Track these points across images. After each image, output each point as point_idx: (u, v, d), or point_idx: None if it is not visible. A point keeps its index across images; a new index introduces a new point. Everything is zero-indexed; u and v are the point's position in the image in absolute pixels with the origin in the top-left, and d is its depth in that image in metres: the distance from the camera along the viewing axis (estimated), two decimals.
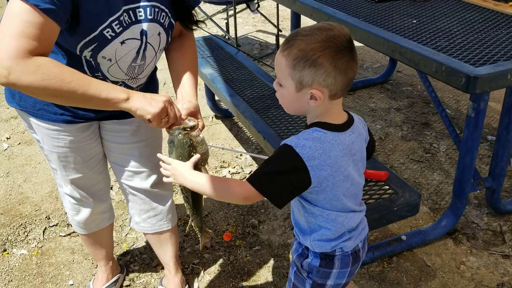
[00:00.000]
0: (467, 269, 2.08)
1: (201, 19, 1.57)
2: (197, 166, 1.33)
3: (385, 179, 1.84)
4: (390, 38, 1.89)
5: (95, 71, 1.38)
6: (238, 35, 4.55)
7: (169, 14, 1.42)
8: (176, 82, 1.49)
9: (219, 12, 4.68)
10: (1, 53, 1.12)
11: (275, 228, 2.36)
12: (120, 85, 1.45)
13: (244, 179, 1.15)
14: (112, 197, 2.56)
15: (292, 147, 1.10)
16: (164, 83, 3.79)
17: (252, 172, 1.18)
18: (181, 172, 1.26)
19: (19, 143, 3.13)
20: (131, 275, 2.12)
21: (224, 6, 4.51)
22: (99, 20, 1.25)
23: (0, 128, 3.31)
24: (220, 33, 4.69)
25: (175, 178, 1.28)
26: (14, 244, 2.30)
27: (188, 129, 1.32)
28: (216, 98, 3.32)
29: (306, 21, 4.91)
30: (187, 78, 1.48)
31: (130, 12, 1.31)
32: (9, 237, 2.34)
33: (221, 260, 2.18)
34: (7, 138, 3.19)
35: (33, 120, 1.52)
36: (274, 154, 1.14)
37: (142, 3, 1.33)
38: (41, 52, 1.17)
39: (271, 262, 2.16)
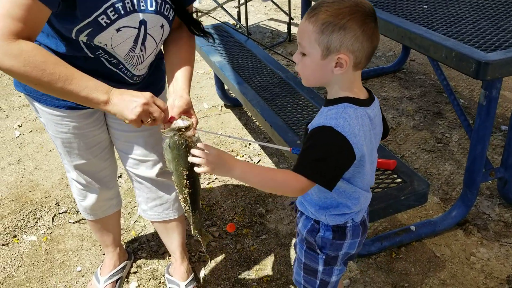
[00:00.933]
0: (477, 261, 2.05)
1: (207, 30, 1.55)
2: (193, 165, 1.27)
3: (393, 167, 1.80)
4: (399, 24, 1.85)
5: (95, 50, 1.36)
6: (249, 24, 4.52)
7: (173, 6, 1.39)
8: (170, 75, 1.43)
9: (230, 0, 4.65)
10: None
11: (283, 217, 2.35)
12: (121, 68, 1.44)
13: (292, 170, 1.11)
14: (121, 184, 2.58)
15: (332, 127, 1.09)
16: None
17: (298, 162, 1.11)
18: (225, 161, 1.13)
19: (31, 131, 3.16)
20: (139, 262, 2.13)
21: None
22: (94, 6, 1.24)
23: (12, 116, 3.34)
24: (232, 21, 4.67)
25: (215, 168, 1.13)
26: (24, 230, 2.33)
27: (183, 130, 1.26)
28: (226, 87, 3.30)
29: None
30: (181, 72, 1.42)
31: (129, 0, 1.29)
32: (19, 224, 2.36)
33: (228, 249, 2.18)
34: (19, 126, 3.22)
35: (37, 105, 1.53)
36: (316, 138, 1.10)
37: None
38: (28, 35, 1.15)
39: (278, 251, 2.15)
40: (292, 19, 4.60)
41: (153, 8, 1.34)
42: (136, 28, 1.34)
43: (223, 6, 4.56)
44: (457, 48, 1.61)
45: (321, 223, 1.29)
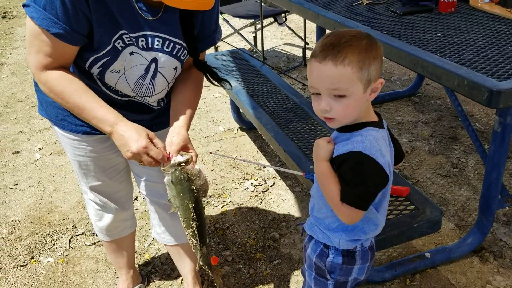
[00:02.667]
0: None
1: (224, 79, 1.58)
2: (198, 199, 1.33)
3: (406, 194, 1.80)
4: (412, 52, 1.87)
5: (106, 84, 1.42)
6: (265, 48, 4.59)
7: (187, 49, 1.44)
8: (173, 112, 1.47)
9: (246, 26, 4.73)
10: (30, 64, 1.32)
11: (296, 242, 2.35)
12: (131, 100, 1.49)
13: (341, 200, 1.15)
14: (136, 207, 2.61)
15: (361, 151, 1.12)
16: None
17: (342, 189, 1.16)
18: (318, 153, 1.20)
19: (51, 153, 3.23)
20: (152, 285, 2.14)
21: (252, 20, 4.56)
22: (111, 33, 1.30)
23: (33, 139, 3.43)
24: (248, 46, 4.74)
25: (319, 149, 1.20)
26: (41, 252, 2.37)
27: (183, 164, 1.29)
28: (241, 110, 3.34)
29: None
30: (182, 110, 1.45)
31: (143, 38, 1.34)
32: (37, 245, 2.41)
33: (240, 273, 2.18)
34: (40, 149, 3.30)
35: (56, 129, 1.60)
36: (349, 165, 1.13)
37: (149, 32, 1.34)
38: (58, 66, 1.30)
39: (291, 276, 2.15)
40: (308, 44, 4.66)
41: (169, 50, 1.38)
42: (147, 61, 1.38)
43: (240, 32, 4.65)
44: (469, 76, 1.62)
45: (331, 248, 1.31)
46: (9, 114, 3.83)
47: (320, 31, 3.19)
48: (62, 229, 2.51)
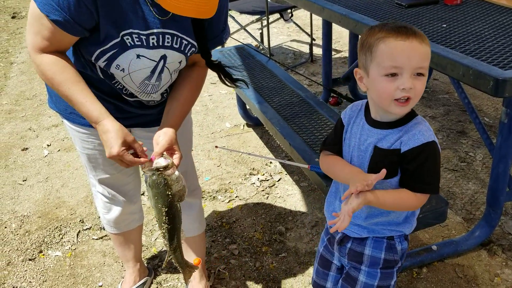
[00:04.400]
0: (501, 282, 2.00)
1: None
2: (174, 203, 1.34)
3: None
4: None
5: (111, 79, 1.42)
6: (272, 45, 4.58)
7: (195, 45, 1.42)
8: (166, 109, 1.47)
9: (252, 22, 4.74)
10: (27, 43, 1.34)
11: (302, 236, 2.34)
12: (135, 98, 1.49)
13: (420, 192, 1.19)
14: (143, 201, 2.62)
15: (434, 141, 1.19)
16: None
17: (421, 180, 1.19)
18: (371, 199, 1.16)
19: (59, 150, 3.26)
20: (159, 279, 2.15)
21: (258, 16, 4.56)
22: (120, 27, 1.29)
23: (42, 136, 3.46)
24: (254, 43, 4.74)
25: (366, 203, 1.15)
26: (49, 246, 2.39)
27: (161, 169, 1.29)
28: (248, 106, 3.35)
29: (339, 29, 4.89)
30: (176, 108, 1.46)
31: (154, 36, 1.34)
32: (45, 239, 2.43)
33: (247, 266, 2.18)
34: (48, 145, 3.33)
35: (65, 122, 1.61)
36: (432, 155, 1.17)
37: (160, 30, 1.33)
38: (54, 50, 1.31)
39: (298, 269, 2.14)
40: (314, 40, 4.65)
41: (177, 46, 1.38)
42: (155, 62, 1.38)
43: (246, 28, 4.65)
44: (474, 66, 1.60)
45: (396, 238, 1.32)
46: (18, 112, 3.86)
47: (327, 25, 3.18)
48: (70, 223, 2.53)
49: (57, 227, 2.51)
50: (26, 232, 2.49)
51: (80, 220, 2.55)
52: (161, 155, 1.34)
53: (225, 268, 2.17)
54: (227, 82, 1.52)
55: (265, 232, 2.39)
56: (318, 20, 5.28)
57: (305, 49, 4.82)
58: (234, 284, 2.09)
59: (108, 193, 1.79)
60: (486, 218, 2.13)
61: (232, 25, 5.38)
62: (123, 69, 1.37)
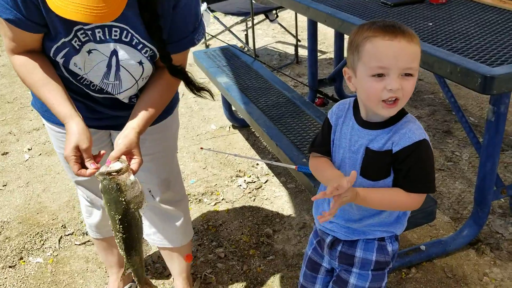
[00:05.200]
0: (490, 281, 1.99)
1: (203, 87, 1.48)
2: (129, 210, 1.23)
3: None
4: None
5: (75, 75, 1.37)
6: (257, 47, 4.56)
7: (152, 49, 1.34)
8: (133, 110, 1.38)
9: (237, 23, 4.70)
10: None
11: (290, 238, 2.31)
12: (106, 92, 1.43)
13: (415, 192, 1.17)
14: None
15: (425, 139, 1.15)
16: (183, 94, 3.81)
17: (416, 179, 1.17)
18: (356, 194, 1.13)
19: (40, 154, 3.18)
20: None
21: (243, 17, 4.53)
22: (67, 28, 1.25)
23: (22, 140, 3.38)
24: (239, 44, 4.71)
25: (349, 201, 1.12)
26: (30, 252, 2.32)
27: (113, 174, 1.19)
28: (233, 108, 3.31)
29: (324, 30, 4.89)
30: (143, 111, 1.36)
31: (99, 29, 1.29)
32: (25, 245, 2.36)
33: (234, 270, 2.14)
34: (29, 149, 3.25)
35: (43, 120, 1.56)
36: (425, 154, 1.15)
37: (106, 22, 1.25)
38: (24, 50, 1.30)
39: (285, 272, 2.11)
40: (299, 41, 4.64)
41: (127, 40, 1.30)
42: (106, 57, 1.32)
43: (231, 29, 4.62)
44: (462, 63, 1.59)
45: (386, 238, 1.29)
46: None
47: (312, 26, 3.16)
48: (52, 229, 2.46)
49: (38, 233, 2.44)
50: (6, 238, 2.42)
51: (62, 226, 2.48)
52: (118, 159, 1.25)
53: (211, 272, 2.13)
54: (192, 90, 1.45)
55: (252, 234, 2.35)
56: (303, 22, 5.27)
57: (290, 50, 4.80)
58: None
59: (87, 196, 1.73)
60: (473, 217, 2.12)
61: (216, 27, 5.35)
62: (80, 68, 1.33)
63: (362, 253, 1.30)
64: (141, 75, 1.39)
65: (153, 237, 1.83)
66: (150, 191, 1.69)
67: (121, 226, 1.24)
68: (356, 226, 1.28)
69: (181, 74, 1.40)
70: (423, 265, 2.08)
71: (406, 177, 1.16)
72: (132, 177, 1.22)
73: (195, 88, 1.46)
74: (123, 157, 1.26)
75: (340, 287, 1.36)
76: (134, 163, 1.28)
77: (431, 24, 2.04)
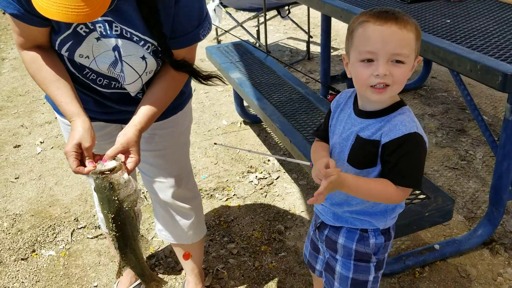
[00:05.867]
0: (504, 281, 1.97)
1: (213, 74, 1.46)
2: (123, 209, 1.22)
3: None
4: (422, 37, 1.82)
5: (81, 69, 1.37)
6: (268, 42, 4.54)
7: (155, 44, 1.33)
8: (138, 106, 1.37)
9: (249, 19, 4.69)
10: None
11: (302, 235, 2.30)
12: (115, 85, 1.42)
13: (397, 185, 1.14)
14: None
15: (417, 132, 1.12)
16: (194, 89, 3.81)
17: (402, 174, 1.14)
18: (342, 181, 1.11)
19: (52, 147, 3.19)
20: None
21: (255, 13, 4.51)
22: (67, 24, 1.25)
23: (34, 133, 3.39)
24: (251, 40, 4.69)
25: (332, 189, 1.12)
26: (43, 245, 2.33)
27: (107, 173, 1.19)
28: (245, 104, 3.30)
29: (336, 26, 4.86)
30: (145, 108, 1.35)
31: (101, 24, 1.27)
32: (38, 238, 2.37)
33: (246, 266, 2.14)
34: (41, 142, 3.26)
35: (56, 114, 1.56)
36: (407, 147, 1.11)
37: (107, 18, 1.25)
38: (33, 45, 1.30)
39: (297, 269, 2.10)
40: (311, 37, 4.61)
41: (128, 36, 1.29)
42: (111, 50, 1.31)
43: (243, 25, 4.60)
44: (482, 61, 1.57)
45: (370, 230, 1.27)
46: (10, 108, 3.79)
47: (326, 21, 3.14)
48: (64, 222, 2.47)
49: (50, 226, 2.45)
50: (19, 231, 2.43)
51: (74, 219, 2.49)
52: (113, 157, 1.24)
53: (223, 268, 2.13)
54: (201, 80, 1.44)
55: (264, 231, 2.34)
56: (314, 18, 5.25)
57: (302, 46, 4.78)
58: (233, 284, 2.04)
59: None
60: (488, 216, 2.10)
61: (228, 22, 5.34)
62: (88, 56, 1.32)
63: (344, 241, 1.31)
64: (144, 70, 1.37)
65: (164, 233, 1.82)
66: (143, 193, 1.67)
67: (114, 224, 1.24)
68: (340, 211, 1.28)
69: (184, 67, 1.39)
70: (436, 264, 2.06)
71: (392, 170, 1.13)
72: (125, 176, 1.21)
73: (203, 78, 1.44)
74: (120, 155, 1.26)
75: (330, 275, 1.38)
76: (130, 162, 1.26)
77: (449, 21, 2.02)
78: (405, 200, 1.28)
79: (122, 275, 1.47)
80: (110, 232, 1.27)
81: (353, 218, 1.27)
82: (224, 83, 1.51)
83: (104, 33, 1.27)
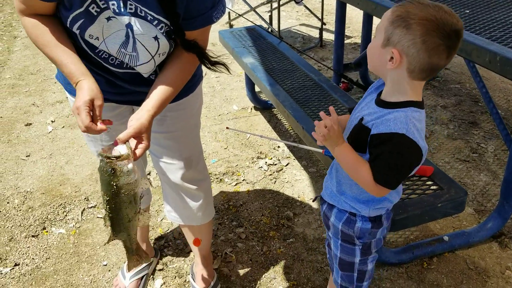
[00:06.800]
0: None
1: (218, 59, 1.44)
2: (119, 195, 1.23)
3: (430, 174, 1.75)
4: None
5: (93, 48, 1.35)
6: (281, 28, 4.50)
7: (168, 24, 1.32)
8: (150, 90, 1.36)
9: (262, 3, 4.65)
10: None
11: (311, 222, 2.31)
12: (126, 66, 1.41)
13: (375, 181, 1.15)
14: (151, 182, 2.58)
15: (404, 134, 1.10)
16: (205, 74, 3.80)
17: (376, 171, 1.16)
18: (338, 139, 1.18)
19: (63, 127, 3.20)
20: (165, 260, 2.12)
21: None
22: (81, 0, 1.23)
23: (46, 112, 3.40)
24: (264, 25, 4.66)
25: (327, 140, 1.19)
26: (53, 223, 2.35)
27: (113, 158, 1.19)
28: (256, 89, 3.29)
29: (350, 14, 4.81)
30: (158, 91, 1.34)
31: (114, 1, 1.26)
32: (48, 216, 2.39)
33: (254, 250, 2.15)
34: (52, 121, 3.27)
35: (67, 94, 1.56)
36: (390, 146, 1.11)
37: None
38: (33, 13, 1.30)
39: (305, 255, 2.11)
40: (325, 24, 4.57)
41: (143, 15, 1.28)
42: (124, 29, 1.30)
43: (256, 9, 4.56)
44: (502, 52, 1.55)
45: (358, 215, 1.31)
46: (21, 87, 3.80)
47: (341, 8, 3.10)
48: (74, 201, 2.49)
49: (61, 204, 2.47)
50: (29, 208, 2.45)
51: (85, 198, 2.50)
52: (125, 142, 1.24)
53: (232, 251, 2.14)
54: (207, 65, 1.42)
55: (273, 216, 2.35)
56: (328, 5, 5.20)
57: (314, 33, 4.74)
58: (241, 268, 2.06)
59: None
60: (499, 210, 2.09)
61: (240, 7, 5.30)
62: (97, 37, 1.31)
63: (333, 219, 1.36)
64: (157, 51, 1.36)
65: (173, 215, 1.83)
66: (149, 179, 1.68)
67: (108, 206, 1.25)
68: (335, 190, 1.33)
69: (194, 48, 1.37)
70: (445, 255, 2.07)
71: (372, 163, 1.16)
72: (130, 166, 1.21)
73: (209, 62, 1.42)
74: (131, 140, 1.26)
75: (330, 252, 1.49)
76: (139, 148, 1.27)
77: (468, 11, 1.99)
78: (396, 195, 1.30)
79: (108, 244, 1.46)
80: (104, 211, 1.29)
81: (341, 199, 1.32)
82: (229, 72, 1.49)
83: (117, 10, 1.25)
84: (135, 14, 1.27)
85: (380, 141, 1.12)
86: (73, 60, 1.29)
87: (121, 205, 1.26)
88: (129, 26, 1.29)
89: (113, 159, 1.19)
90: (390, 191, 1.18)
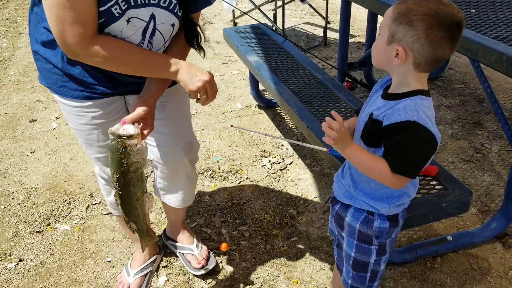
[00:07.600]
0: None
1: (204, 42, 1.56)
2: (129, 172, 1.30)
3: (434, 174, 1.75)
4: None
5: None
6: (285, 27, 4.49)
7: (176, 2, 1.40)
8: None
9: (267, 2, 4.64)
10: (70, 41, 1.27)
11: (314, 220, 2.31)
12: None
13: (393, 172, 1.15)
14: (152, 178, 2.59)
15: (416, 121, 1.10)
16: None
17: (393, 161, 1.15)
18: (347, 140, 1.18)
19: (67, 123, 3.21)
20: (169, 257, 2.12)
21: None
22: None
23: (50, 108, 3.41)
24: (268, 23, 4.66)
25: (338, 143, 1.18)
26: (57, 219, 2.36)
27: (124, 137, 1.26)
28: (260, 88, 3.29)
29: (354, 13, 4.80)
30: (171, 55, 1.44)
31: None
32: (53, 212, 2.40)
33: (257, 248, 2.15)
34: (56, 118, 3.28)
35: (57, 97, 1.54)
36: (403, 134, 1.11)
37: None
38: (95, 31, 1.29)
39: (308, 254, 2.12)
40: (329, 23, 4.57)
41: (165, 5, 1.35)
42: (145, 22, 1.34)
43: (260, 8, 4.56)
44: (508, 53, 1.55)
45: (376, 214, 1.30)
46: (26, 83, 3.81)
47: (345, 7, 3.10)
48: (79, 197, 2.50)
49: (65, 200, 2.48)
50: (34, 204, 2.46)
51: (89, 195, 2.51)
52: (133, 123, 1.32)
53: (235, 249, 2.15)
54: (192, 43, 1.51)
55: (276, 215, 2.35)
56: (332, 4, 5.19)
57: (319, 32, 4.74)
58: (244, 266, 2.06)
59: (105, 174, 1.74)
60: (503, 210, 2.09)
61: (244, 5, 5.29)
62: (115, 36, 1.34)
63: (350, 219, 1.35)
64: (170, 35, 1.45)
65: (171, 199, 1.90)
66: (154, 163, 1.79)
67: (117, 183, 1.33)
68: (351, 190, 1.33)
69: (193, 26, 1.49)
70: (448, 255, 2.07)
71: (388, 154, 1.16)
72: (139, 145, 1.29)
73: (197, 43, 1.51)
74: (137, 122, 1.34)
75: (339, 253, 1.47)
76: (145, 130, 1.35)
77: (473, 11, 1.99)
78: (413, 189, 1.30)
79: (129, 231, 1.53)
80: (114, 188, 1.36)
81: (357, 198, 1.31)
82: (203, 55, 1.60)
83: (143, 1, 1.30)
84: (157, 5, 1.34)
85: (393, 131, 1.13)
86: (163, 54, 1.41)
87: (129, 182, 1.34)
88: (152, 17, 1.35)
89: (124, 138, 1.26)
90: (409, 181, 1.19)
